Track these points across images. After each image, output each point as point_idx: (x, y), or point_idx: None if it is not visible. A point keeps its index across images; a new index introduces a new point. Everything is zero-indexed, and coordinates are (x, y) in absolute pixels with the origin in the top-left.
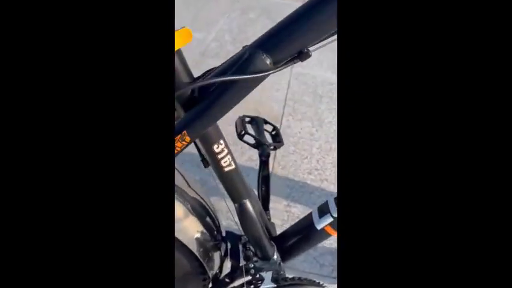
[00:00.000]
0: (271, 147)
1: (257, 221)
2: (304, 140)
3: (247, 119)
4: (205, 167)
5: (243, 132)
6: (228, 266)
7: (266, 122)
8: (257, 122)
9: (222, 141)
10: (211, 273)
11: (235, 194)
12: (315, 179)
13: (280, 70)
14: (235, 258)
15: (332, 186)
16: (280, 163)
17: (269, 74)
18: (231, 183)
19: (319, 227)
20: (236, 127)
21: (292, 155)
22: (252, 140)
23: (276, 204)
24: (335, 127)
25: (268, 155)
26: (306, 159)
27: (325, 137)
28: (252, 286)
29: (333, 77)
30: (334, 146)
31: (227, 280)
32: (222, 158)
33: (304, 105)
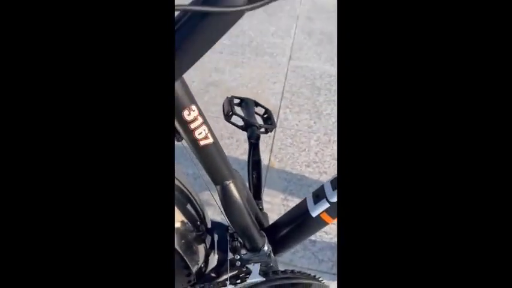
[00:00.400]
0: (262, 130)
1: (243, 207)
2: (302, 133)
3: (236, 100)
4: (177, 140)
5: (231, 112)
6: (215, 259)
7: (257, 104)
8: (247, 103)
9: (194, 108)
10: (195, 268)
11: (216, 173)
12: (313, 172)
13: (254, 8)
14: (222, 250)
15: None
16: (277, 156)
17: (243, 11)
18: (210, 160)
19: (314, 214)
20: (223, 108)
21: (290, 147)
22: (240, 122)
23: (273, 198)
24: (334, 119)
25: (258, 137)
26: (304, 152)
27: (324, 129)
28: (239, 281)
29: (332, 69)
30: (334, 138)
31: (213, 275)
32: (196, 129)
33: (301, 97)
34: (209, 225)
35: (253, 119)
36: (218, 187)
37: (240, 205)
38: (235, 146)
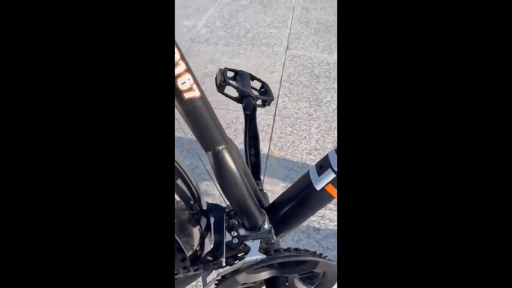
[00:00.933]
0: (259, 103)
1: (238, 177)
2: (301, 121)
3: (230, 74)
4: None
5: (224, 82)
6: (211, 243)
7: (253, 78)
8: (242, 76)
9: (176, 50)
10: (189, 252)
11: (206, 136)
12: (314, 159)
13: None
14: (219, 233)
15: None
16: (276, 145)
17: None
18: (198, 119)
19: (318, 186)
20: (216, 79)
21: (290, 135)
22: (235, 94)
23: (274, 187)
24: (335, 106)
25: (254, 108)
26: (305, 140)
27: (325, 117)
28: (237, 261)
29: (330, 58)
30: (334, 125)
31: (209, 258)
32: (179, 76)
33: (300, 86)
34: (204, 207)
35: (249, 90)
36: (209, 154)
37: (235, 174)
38: (232, 136)
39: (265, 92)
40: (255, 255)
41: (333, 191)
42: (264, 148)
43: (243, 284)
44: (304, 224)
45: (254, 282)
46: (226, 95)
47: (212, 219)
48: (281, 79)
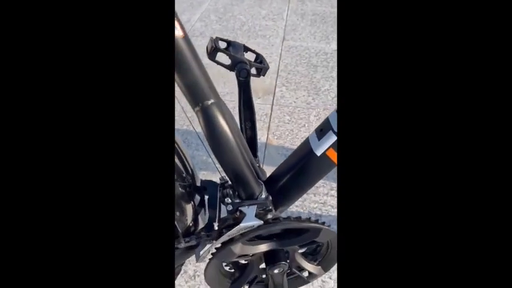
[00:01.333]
0: (254, 72)
1: (231, 136)
2: (300, 109)
3: (222, 43)
4: None
5: (214, 48)
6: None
7: (247, 49)
8: (235, 46)
9: None
10: (182, 229)
11: (192, 88)
12: None
13: None
14: (213, 208)
15: None
16: (275, 133)
17: None
18: (181, 64)
19: (319, 152)
20: (207, 48)
21: (288, 124)
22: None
23: None
24: (333, 94)
25: (247, 74)
26: (304, 128)
27: (323, 105)
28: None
29: (328, 47)
30: None
31: (203, 233)
32: None
33: (298, 75)
34: (198, 183)
35: (242, 57)
36: (197, 109)
37: (227, 134)
38: None
39: (261, 62)
40: (251, 221)
41: (335, 157)
42: (262, 137)
43: (240, 257)
44: (305, 211)
45: (252, 256)
46: (218, 63)
47: (206, 197)
48: (278, 69)
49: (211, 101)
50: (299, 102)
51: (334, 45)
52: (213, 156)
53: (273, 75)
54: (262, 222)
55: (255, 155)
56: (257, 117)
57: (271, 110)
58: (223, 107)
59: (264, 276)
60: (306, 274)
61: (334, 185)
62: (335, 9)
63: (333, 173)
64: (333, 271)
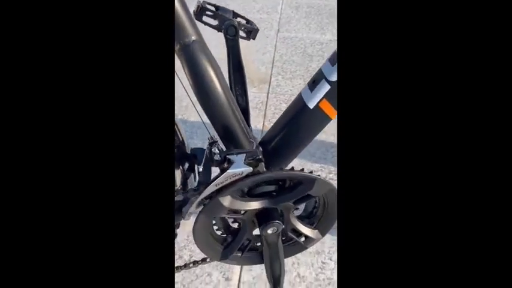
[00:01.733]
0: (243, 35)
1: (215, 79)
2: None
3: (210, 7)
4: None
5: (201, 8)
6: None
7: (236, 15)
8: (224, 10)
9: None
10: None
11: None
12: None
13: None
14: (204, 174)
15: (332, 138)
16: (271, 121)
17: None
18: None
19: (312, 104)
20: (194, 11)
21: None
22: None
23: None
24: None
25: (235, 32)
26: None
27: None
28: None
29: (323, 38)
30: None
31: (192, 192)
32: None
33: (293, 65)
34: (188, 151)
35: (231, 18)
36: (177, 48)
37: (211, 75)
38: None
39: (251, 25)
40: (239, 168)
41: (329, 109)
42: (258, 125)
43: (230, 212)
44: None
45: (243, 214)
46: (205, 23)
47: (196, 165)
48: (273, 59)
49: (193, 38)
50: (295, 90)
51: (329, 36)
52: (204, 115)
53: (268, 65)
54: (251, 168)
55: (248, 124)
56: (253, 105)
57: (267, 98)
58: (206, 46)
59: (258, 244)
60: (302, 239)
61: (333, 168)
62: (330, 2)
63: (332, 156)
64: (333, 252)
